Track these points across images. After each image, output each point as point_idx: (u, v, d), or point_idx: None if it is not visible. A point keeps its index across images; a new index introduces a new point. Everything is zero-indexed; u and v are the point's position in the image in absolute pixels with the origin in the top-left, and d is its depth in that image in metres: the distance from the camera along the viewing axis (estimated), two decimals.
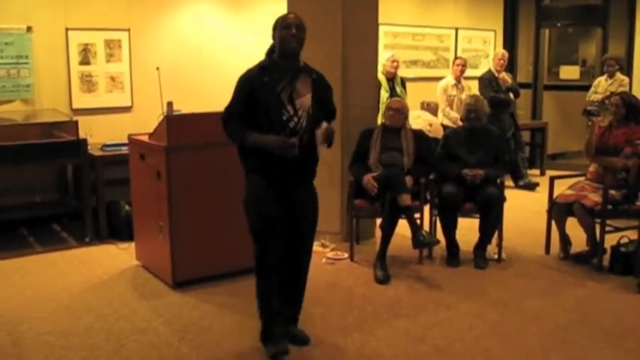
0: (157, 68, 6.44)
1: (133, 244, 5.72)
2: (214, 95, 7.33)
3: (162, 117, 5.16)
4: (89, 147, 6.23)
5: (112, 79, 7.05)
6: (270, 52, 3.85)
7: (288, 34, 3.72)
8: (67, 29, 6.72)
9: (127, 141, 5.63)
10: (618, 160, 5.61)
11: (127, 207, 6.25)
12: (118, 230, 6.32)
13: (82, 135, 6.11)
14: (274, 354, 3.83)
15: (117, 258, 5.79)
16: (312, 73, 3.87)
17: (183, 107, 6.10)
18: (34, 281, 5.22)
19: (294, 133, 3.71)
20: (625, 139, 5.60)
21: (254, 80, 3.73)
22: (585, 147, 5.87)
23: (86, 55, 6.86)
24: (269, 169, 3.76)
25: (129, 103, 7.16)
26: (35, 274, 5.38)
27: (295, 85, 3.77)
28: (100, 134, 6.62)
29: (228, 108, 3.81)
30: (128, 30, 7.07)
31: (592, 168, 5.83)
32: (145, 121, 6.01)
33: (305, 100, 3.78)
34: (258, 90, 3.70)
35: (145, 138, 5.25)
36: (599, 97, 8.68)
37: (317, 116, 3.81)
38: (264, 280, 3.84)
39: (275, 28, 3.81)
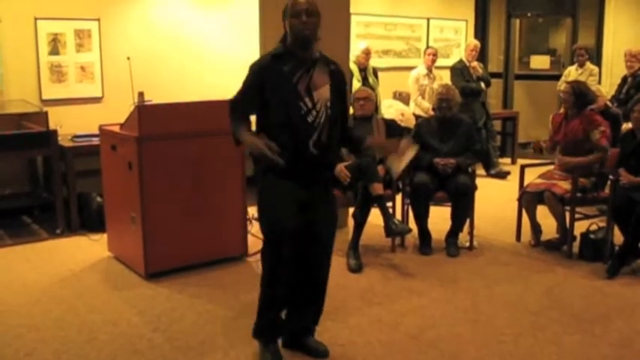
0: (128, 58, 6.41)
1: (104, 236, 5.69)
2: (186, 85, 7.34)
3: (133, 107, 5.12)
4: (59, 138, 6.16)
5: (82, 69, 6.97)
6: (284, 40, 3.52)
7: (299, 22, 3.38)
8: (35, 19, 6.62)
9: (97, 132, 5.59)
10: (582, 159, 5.68)
11: (98, 198, 6.20)
12: (90, 222, 6.26)
13: (52, 126, 6.05)
14: None
15: (89, 250, 5.74)
16: (330, 64, 3.57)
17: (154, 97, 6.06)
18: (4, 274, 5.17)
19: (312, 127, 3.43)
20: (582, 128, 5.68)
21: (266, 69, 3.43)
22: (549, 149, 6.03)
23: (55, 45, 6.77)
24: (284, 169, 3.37)
25: (99, 94, 7.09)
26: (5, 267, 5.33)
27: (312, 75, 3.46)
28: (70, 125, 6.55)
29: (235, 96, 3.55)
30: (98, 20, 6.98)
31: (558, 161, 5.90)
32: (116, 112, 5.96)
33: (323, 92, 3.47)
34: (271, 80, 3.41)
35: (116, 128, 5.21)
36: None
37: (336, 111, 3.53)
38: (272, 291, 3.58)
39: (284, 14, 3.46)
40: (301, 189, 3.48)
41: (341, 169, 5.36)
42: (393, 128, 5.81)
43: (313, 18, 3.41)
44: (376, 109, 6.23)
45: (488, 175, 8.87)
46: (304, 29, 3.39)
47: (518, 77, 11.15)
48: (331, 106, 3.50)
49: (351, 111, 6.04)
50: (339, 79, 3.59)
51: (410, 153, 3.98)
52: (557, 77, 9.18)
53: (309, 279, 3.73)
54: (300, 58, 3.46)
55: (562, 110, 6.11)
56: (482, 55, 9.81)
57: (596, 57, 9.84)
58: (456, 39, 10.61)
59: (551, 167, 5.96)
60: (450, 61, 9.40)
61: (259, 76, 3.45)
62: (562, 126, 5.85)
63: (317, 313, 3.84)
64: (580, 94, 5.77)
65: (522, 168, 6.00)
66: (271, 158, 3.29)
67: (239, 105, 3.54)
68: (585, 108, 5.79)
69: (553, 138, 5.93)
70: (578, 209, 5.64)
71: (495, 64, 11.12)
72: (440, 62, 9.00)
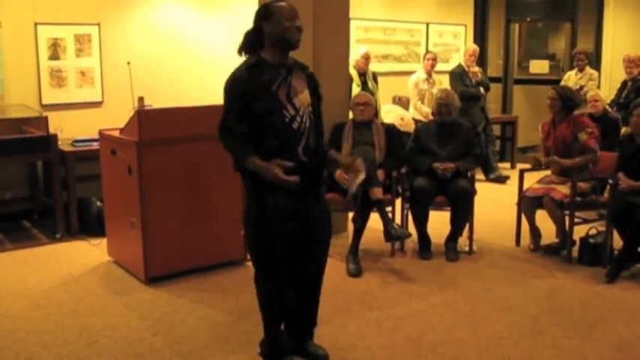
0: (128, 63, 6.41)
1: (104, 240, 5.69)
2: (185, 90, 7.35)
3: (133, 112, 5.13)
4: (59, 143, 6.18)
5: (82, 74, 6.99)
6: (253, 47, 3.41)
7: (293, 26, 3.31)
8: (36, 24, 6.64)
9: (97, 136, 5.60)
10: (571, 161, 5.70)
11: (98, 203, 6.21)
12: (90, 226, 6.27)
13: (52, 130, 6.06)
14: None
15: (88, 254, 5.75)
16: (305, 69, 3.53)
17: (154, 102, 6.07)
18: (4, 278, 5.17)
19: (299, 134, 3.36)
20: (571, 131, 5.71)
21: (245, 83, 3.31)
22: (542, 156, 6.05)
23: (56, 50, 6.79)
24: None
25: (99, 99, 7.11)
26: (6, 271, 5.33)
27: (291, 82, 3.39)
28: (70, 130, 6.57)
29: (223, 121, 3.38)
30: (98, 24, 7.01)
31: (553, 166, 5.92)
32: (116, 117, 5.96)
33: (303, 98, 3.41)
34: (252, 92, 3.30)
35: (116, 133, 5.22)
36: None
37: (318, 114, 3.49)
38: (266, 305, 3.60)
39: (268, 17, 3.33)
40: (293, 198, 3.40)
41: (340, 174, 5.37)
42: (392, 133, 5.82)
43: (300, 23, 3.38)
44: (376, 114, 6.23)
45: (488, 179, 8.88)
46: (297, 33, 3.34)
47: (518, 82, 11.18)
48: (313, 110, 3.46)
49: (351, 116, 6.07)
50: (315, 84, 3.55)
51: (360, 176, 3.90)
52: (557, 82, 9.16)
53: (304, 284, 3.72)
54: (276, 65, 3.38)
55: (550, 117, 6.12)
56: (481, 60, 9.84)
57: (595, 61, 9.86)
58: (455, 44, 10.63)
59: (549, 172, 5.97)
60: (449, 66, 9.42)
61: (239, 91, 3.34)
62: (551, 132, 5.87)
63: (313, 315, 3.84)
64: (566, 98, 5.80)
65: (521, 172, 6.01)
66: (286, 180, 3.28)
67: (233, 127, 3.36)
68: (572, 112, 5.81)
69: (544, 144, 5.95)
70: (577, 214, 5.65)
71: (494, 68, 11.14)
72: (439, 67, 9.01)
